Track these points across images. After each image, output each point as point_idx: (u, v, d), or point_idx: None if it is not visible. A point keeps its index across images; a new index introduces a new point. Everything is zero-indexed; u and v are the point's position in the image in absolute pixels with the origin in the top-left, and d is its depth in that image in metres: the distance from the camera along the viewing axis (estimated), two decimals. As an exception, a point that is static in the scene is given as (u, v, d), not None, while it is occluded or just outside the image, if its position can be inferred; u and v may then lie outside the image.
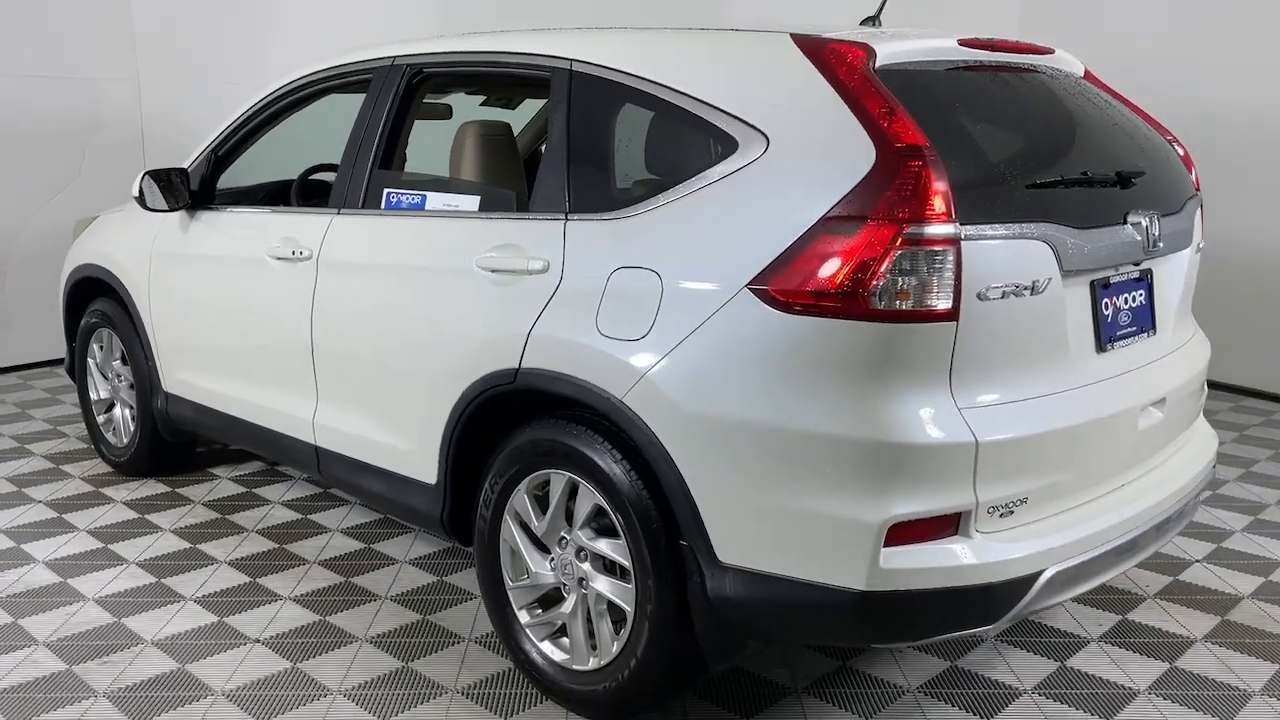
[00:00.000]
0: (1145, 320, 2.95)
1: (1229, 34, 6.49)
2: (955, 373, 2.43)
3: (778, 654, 3.32)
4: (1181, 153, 3.36)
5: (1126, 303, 2.86)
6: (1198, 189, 3.31)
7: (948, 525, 2.44)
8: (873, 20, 3.23)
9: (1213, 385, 6.67)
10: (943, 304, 2.38)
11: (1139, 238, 2.79)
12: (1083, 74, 3.34)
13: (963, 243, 2.38)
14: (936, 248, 2.36)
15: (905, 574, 2.41)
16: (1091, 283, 2.74)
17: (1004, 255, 2.47)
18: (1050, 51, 3.15)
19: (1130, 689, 3.18)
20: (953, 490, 2.42)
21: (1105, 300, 2.78)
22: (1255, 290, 6.52)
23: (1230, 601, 3.76)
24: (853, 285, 2.38)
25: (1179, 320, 3.15)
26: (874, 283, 2.37)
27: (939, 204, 2.36)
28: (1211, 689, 3.19)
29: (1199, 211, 3.26)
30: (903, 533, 2.40)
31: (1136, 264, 2.87)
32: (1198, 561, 4.09)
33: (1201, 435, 3.33)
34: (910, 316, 2.38)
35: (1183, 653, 3.40)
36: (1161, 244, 2.87)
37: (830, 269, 2.40)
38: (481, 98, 4.58)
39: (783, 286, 2.45)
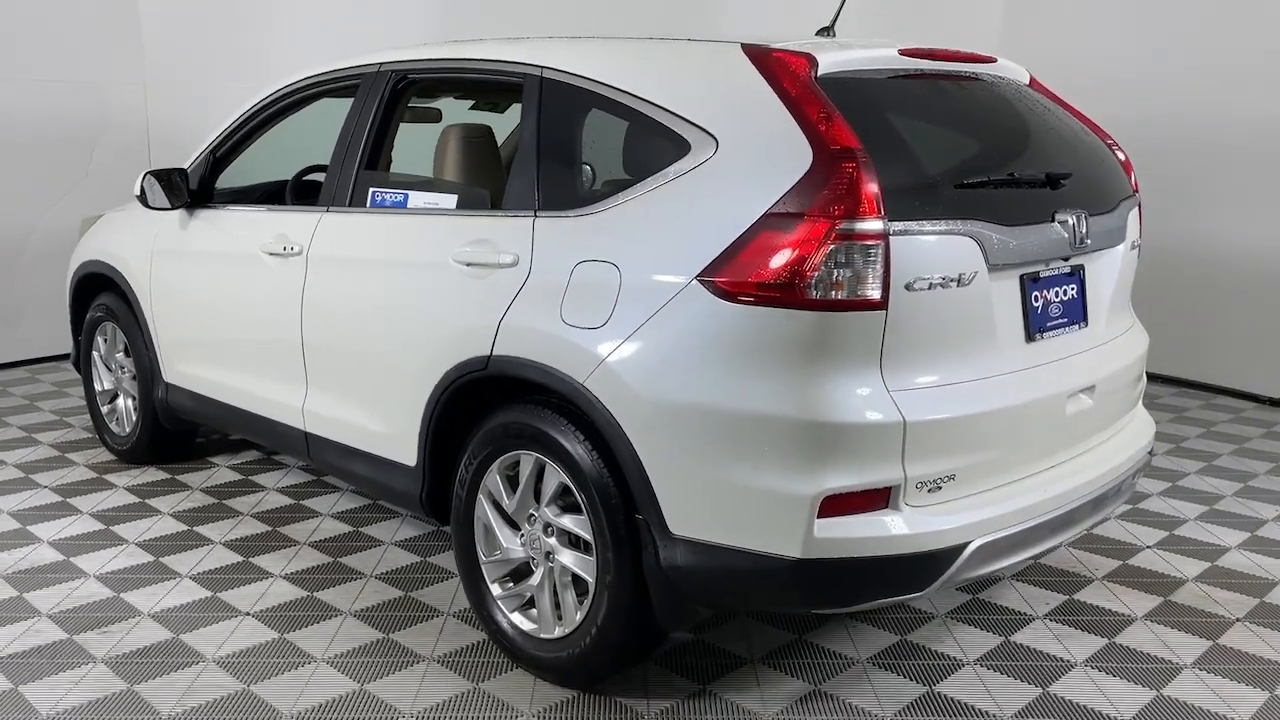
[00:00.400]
0: (1077, 313, 3.14)
1: (1211, 41, 6.66)
2: (886, 357, 2.63)
3: (736, 627, 3.52)
4: (1122, 157, 3.56)
5: (1057, 296, 3.06)
6: (1136, 190, 3.50)
7: (878, 499, 2.64)
8: (827, 30, 3.43)
9: (1186, 383, 6.89)
10: (873, 294, 2.58)
11: (1066, 235, 2.99)
12: (1028, 81, 3.53)
13: (892, 238, 2.58)
14: (867, 242, 2.56)
15: (838, 543, 2.61)
16: (1021, 276, 2.94)
17: (932, 249, 2.67)
18: (992, 60, 3.34)
19: (1068, 661, 3.37)
20: (882, 466, 2.62)
21: (1035, 293, 2.97)
22: (1234, 292, 6.69)
23: (1174, 584, 3.95)
24: (791, 276, 2.58)
25: (1113, 313, 3.34)
26: (810, 274, 2.57)
27: (869, 202, 2.56)
28: (1145, 662, 3.37)
29: (1135, 211, 3.45)
30: (835, 505, 2.60)
31: (1066, 259, 3.06)
32: (1148, 547, 4.28)
33: (1138, 421, 3.52)
34: (843, 305, 2.58)
35: (1122, 630, 3.59)
36: (1090, 241, 3.07)
37: (771, 262, 2.60)
38: (466, 101, 4.78)
39: (728, 278, 2.65)
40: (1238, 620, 3.67)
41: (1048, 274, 3.02)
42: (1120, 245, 3.33)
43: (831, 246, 2.56)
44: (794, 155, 2.65)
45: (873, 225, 2.56)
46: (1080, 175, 3.16)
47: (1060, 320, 3.07)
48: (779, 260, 2.59)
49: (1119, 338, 3.36)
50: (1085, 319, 3.17)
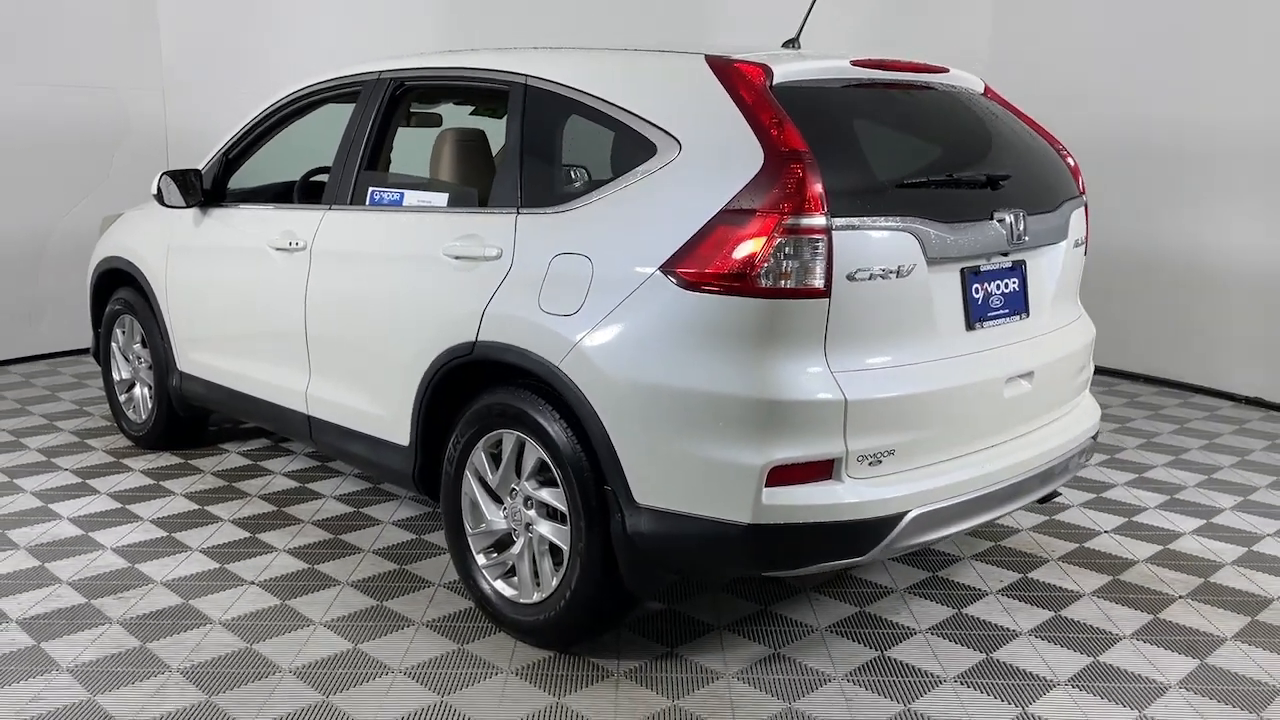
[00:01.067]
0: (1018, 304, 3.38)
1: (1195, 51, 6.87)
2: (830, 341, 2.89)
3: (706, 598, 3.78)
4: (1072, 163, 3.80)
5: (998, 288, 3.30)
6: (1082, 193, 3.74)
7: (822, 470, 2.89)
8: (792, 42, 3.68)
9: (1165, 382, 7.11)
10: (817, 283, 2.84)
11: (1004, 232, 3.24)
12: (982, 90, 3.78)
13: (834, 232, 2.84)
14: (811, 236, 2.82)
15: (785, 509, 2.86)
16: (962, 270, 3.19)
17: (872, 243, 2.92)
18: (944, 70, 3.59)
19: (1014, 630, 3.61)
20: (825, 440, 2.87)
21: (975, 285, 3.22)
22: (1214, 293, 6.90)
23: (1125, 565, 4.18)
24: (743, 267, 2.84)
25: (1057, 306, 3.58)
26: (760, 265, 2.83)
27: (814, 200, 2.82)
28: (1086, 633, 3.61)
29: (1080, 212, 3.69)
30: (782, 475, 2.85)
31: (1006, 254, 3.31)
32: (1105, 532, 4.51)
33: (1083, 407, 3.76)
34: (790, 294, 2.84)
35: (1069, 604, 3.82)
36: (1028, 238, 3.31)
37: (726, 254, 2.86)
38: (468, 106, 5.05)
39: (688, 269, 2.92)
40: (1180, 597, 3.90)
41: (988, 268, 3.27)
42: (1063, 242, 3.57)
43: (779, 240, 2.81)
44: (747, 157, 2.91)
45: (816, 221, 2.82)
46: (1022, 177, 3.41)
47: (1001, 311, 3.31)
48: (733, 252, 2.85)
49: (1062, 329, 3.60)
50: (1026, 310, 3.42)
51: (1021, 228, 3.28)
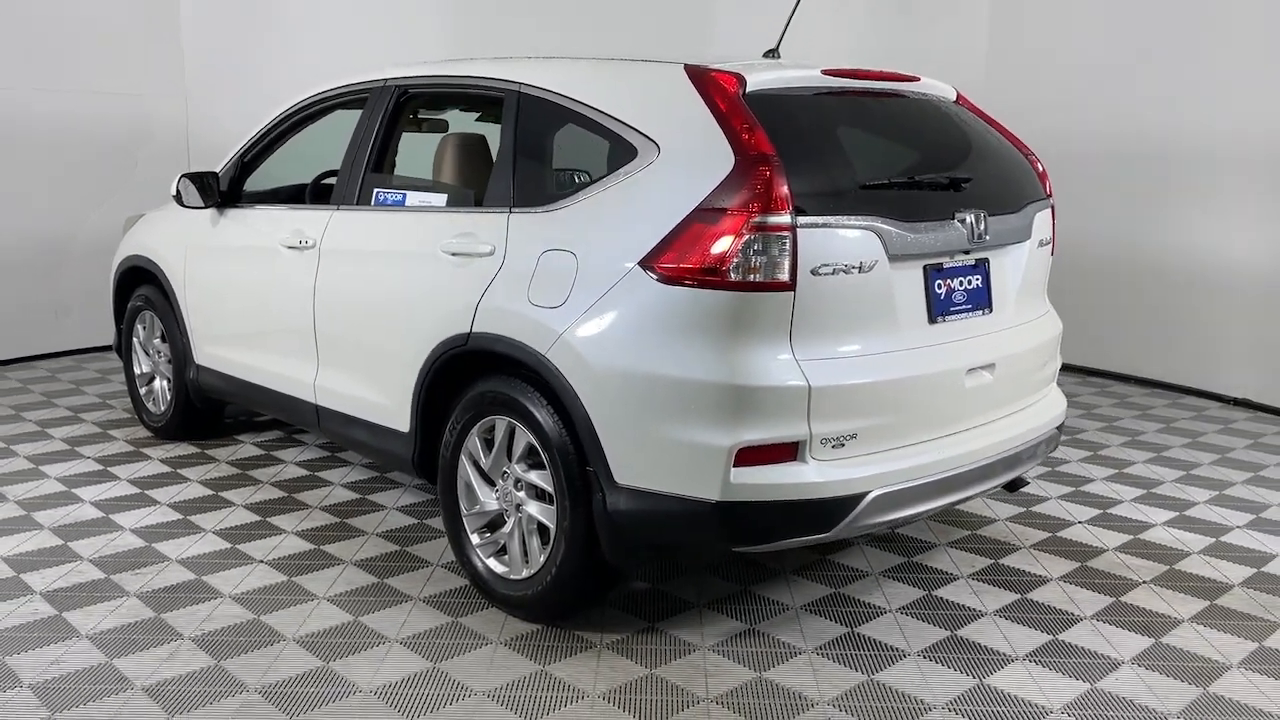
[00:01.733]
0: (981, 300, 3.58)
1: (1188, 58, 7.05)
2: (795, 331, 3.09)
3: (689, 578, 3.99)
4: (1041, 168, 4.00)
5: (961, 285, 3.50)
6: (1048, 195, 3.93)
7: (787, 452, 3.10)
8: (772, 52, 3.89)
9: (1156, 384, 7.27)
10: (783, 277, 3.05)
11: (965, 231, 3.44)
12: (954, 99, 3.98)
13: (799, 230, 3.05)
14: (778, 233, 3.03)
15: (752, 488, 3.07)
16: (925, 267, 3.39)
17: (836, 241, 3.13)
18: (915, 79, 3.79)
19: (979, 611, 3.80)
20: (790, 424, 3.07)
21: (938, 281, 3.42)
22: (1204, 296, 7.06)
23: (1094, 552, 4.36)
24: (715, 262, 3.05)
25: (1021, 302, 3.77)
26: (731, 260, 3.04)
27: (780, 200, 3.03)
28: (1049, 614, 3.79)
29: (1045, 214, 3.88)
30: (750, 456, 3.06)
31: (968, 253, 3.50)
32: (1079, 523, 4.69)
33: (1049, 400, 3.95)
34: (758, 287, 3.05)
35: (1036, 588, 4.01)
36: (989, 237, 3.51)
37: (699, 250, 3.07)
38: (465, 113, 5.27)
39: (664, 264, 3.13)
40: (1144, 582, 4.08)
41: (951, 265, 3.47)
42: (1026, 242, 3.76)
43: (748, 237, 3.03)
44: (720, 159, 3.12)
45: (782, 219, 3.03)
46: (985, 180, 3.60)
47: (964, 306, 3.51)
48: (706, 248, 3.06)
49: (1027, 324, 3.79)
50: (990, 306, 3.61)
51: (982, 228, 3.47)
